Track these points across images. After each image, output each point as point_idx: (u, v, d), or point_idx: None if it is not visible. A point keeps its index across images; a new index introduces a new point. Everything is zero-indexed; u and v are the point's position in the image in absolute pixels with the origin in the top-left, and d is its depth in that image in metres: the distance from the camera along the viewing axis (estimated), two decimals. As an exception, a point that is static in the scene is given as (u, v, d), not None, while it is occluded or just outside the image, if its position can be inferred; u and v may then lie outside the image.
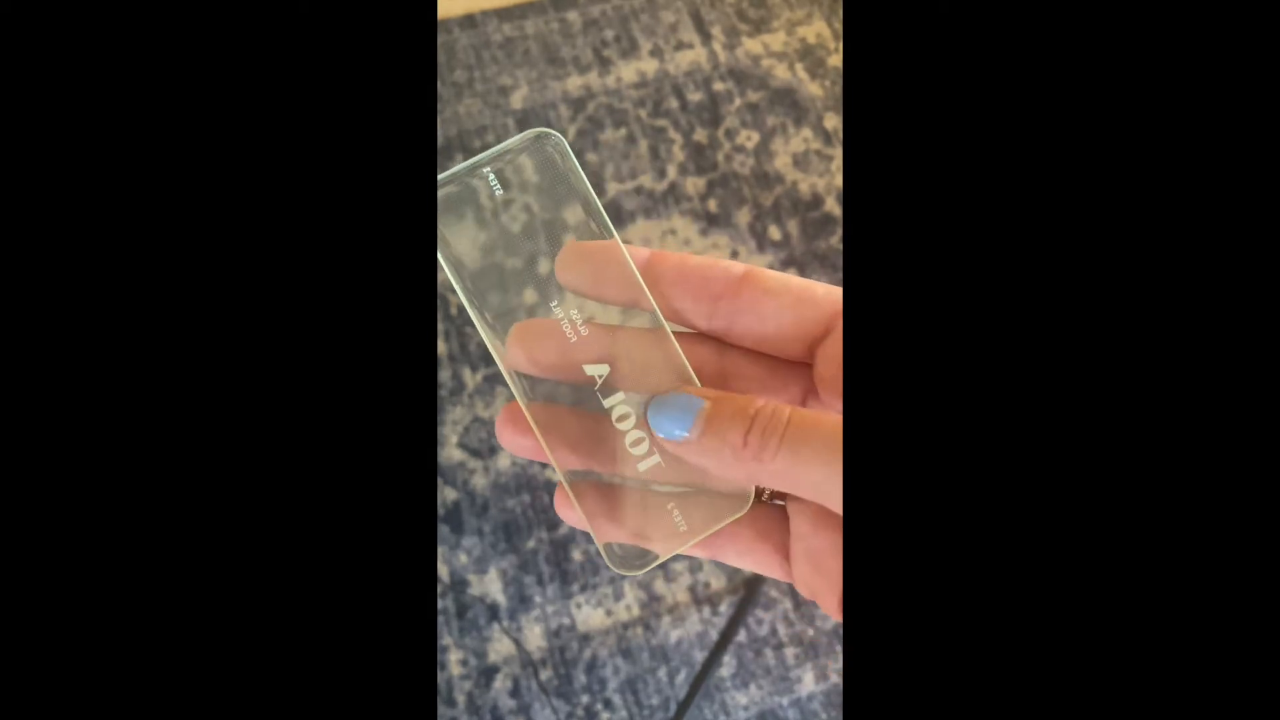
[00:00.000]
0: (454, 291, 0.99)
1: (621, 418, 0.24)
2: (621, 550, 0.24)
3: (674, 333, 0.24)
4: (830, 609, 0.22)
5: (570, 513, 0.24)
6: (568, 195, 0.24)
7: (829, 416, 0.20)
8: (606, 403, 0.24)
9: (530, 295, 0.24)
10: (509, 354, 0.24)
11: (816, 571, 0.22)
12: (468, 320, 0.98)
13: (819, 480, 0.20)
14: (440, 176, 0.23)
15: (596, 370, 0.24)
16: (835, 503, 0.20)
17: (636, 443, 0.24)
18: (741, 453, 0.20)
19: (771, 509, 0.24)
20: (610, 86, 1.12)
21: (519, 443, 0.24)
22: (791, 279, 0.23)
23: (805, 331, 0.22)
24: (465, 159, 1.06)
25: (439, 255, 0.23)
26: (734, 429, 0.21)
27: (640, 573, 0.24)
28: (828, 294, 0.23)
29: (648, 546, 0.24)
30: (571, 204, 0.24)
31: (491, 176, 0.23)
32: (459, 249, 0.24)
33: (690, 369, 0.23)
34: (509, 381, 0.24)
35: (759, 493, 0.24)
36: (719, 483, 0.24)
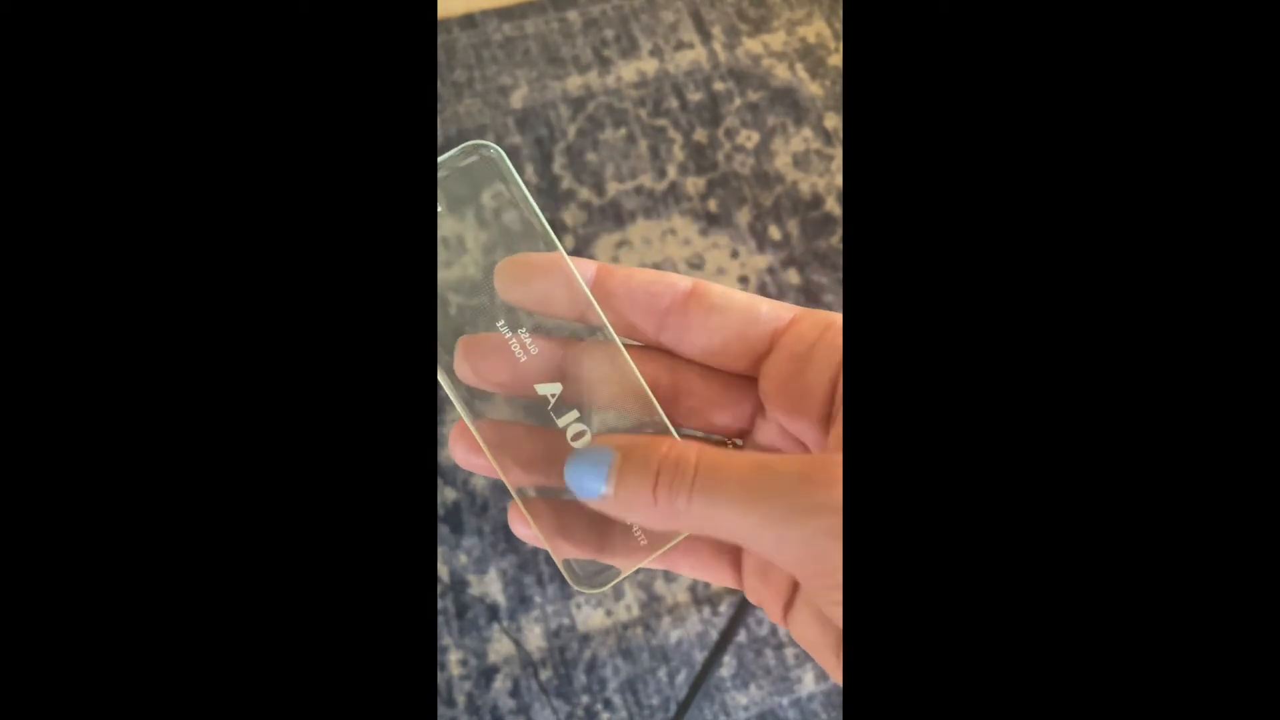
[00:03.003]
0: (455, 292, 0.99)
1: (576, 436, 0.23)
2: (580, 567, 0.24)
3: (626, 346, 0.23)
4: (775, 617, 0.23)
5: (525, 530, 0.24)
6: (509, 208, 0.23)
7: (739, 457, 0.19)
8: (560, 421, 0.23)
9: (476, 311, 0.24)
10: (458, 369, 0.23)
11: (764, 583, 0.23)
12: (468, 320, 0.98)
13: (735, 524, 0.19)
14: None
15: (548, 389, 0.23)
16: (755, 544, 0.19)
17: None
18: (653, 510, 0.20)
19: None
20: (610, 86, 1.12)
21: (472, 460, 0.23)
22: (737, 294, 0.23)
23: (750, 348, 0.22)
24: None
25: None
26: (642, 483, 0.20)
27: (601, 590, 0.24)
28: (772, 310, 0.23)
29: (609, 562, 0.24)
30: (513, 217, 0.23)
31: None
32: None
33: (644, 384, 0.23)
34: (453, 399, 0.23)
35: None
36: None
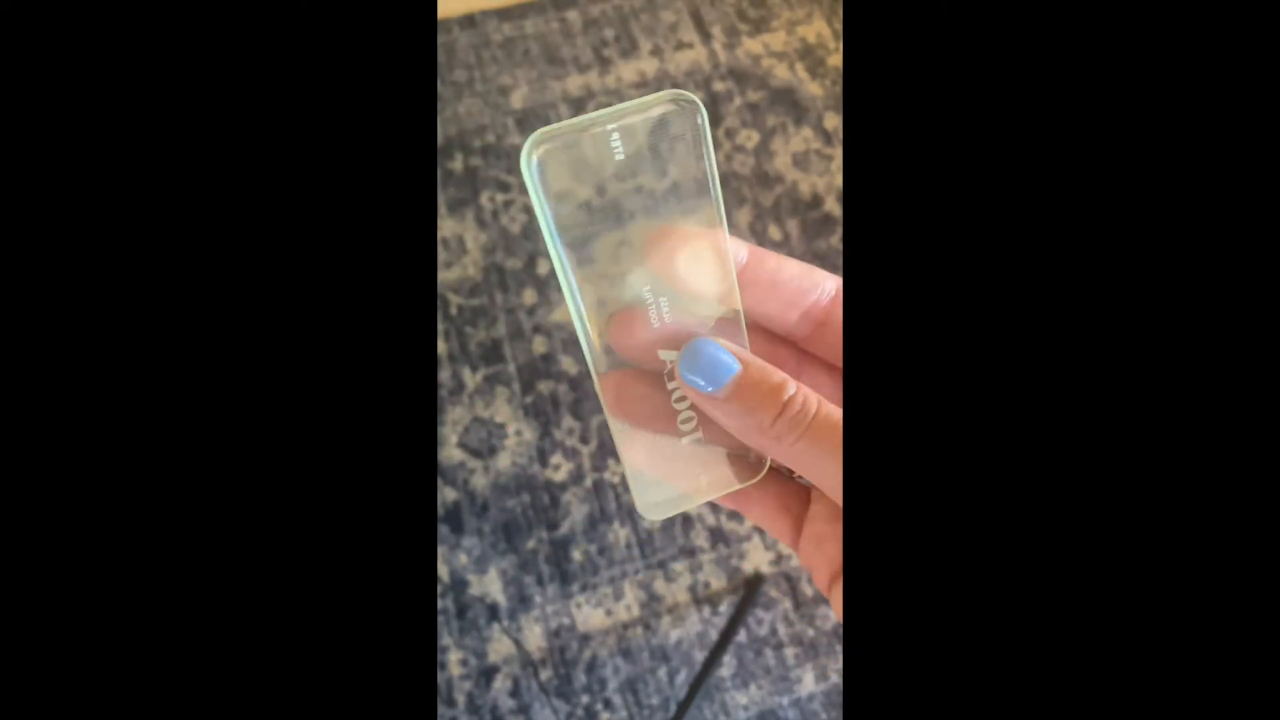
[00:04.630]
0: (454, 292, 1.00)
1: (681, 399, 0.24)
2: (647, 489, 0.25)
3: (751, 327, 0.24)
4: (821, 585, 0.24)
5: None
6: (690, 172, 0.22)
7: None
8: (670, 384, 0.24)
9: (626, 269, 0.23)
10: (610, 335, 0.23)
11: (817, 550, 0.24)
12: (467, 320, 0.98)
13: (828, 472, 0.21)
14: (560, 125, 0.21)
15: (669, 356, 0.24)
16: (837, 494, 0.21)
17: (687, 420, 0.25)
18: (766, 431, 0.21)
19: (799, 486, 0.25)
20: (610, 86, 1.11)
21: (621, 408, 0.24)
22: (786, 261, 0.24)
23: None
24: (465, 158, 1.06)
25: (538, 211, 0.21)
26: (765, 409, 0.21)
27: (663, 516, 0.25)
28: (823, 283, 0.24)
29: (684, 483, 0.25)
30: (690, 183, 0.22)
31: (615, 136, 0.21)
32: (561, 208, 0.22)
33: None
34: (588, 351, 0.23)
35: (792, 470, 0.25)
36: (741, 448, 0.25)
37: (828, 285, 0.24)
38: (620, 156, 0.21)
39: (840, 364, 0.25)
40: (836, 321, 0.24)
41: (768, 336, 0.25)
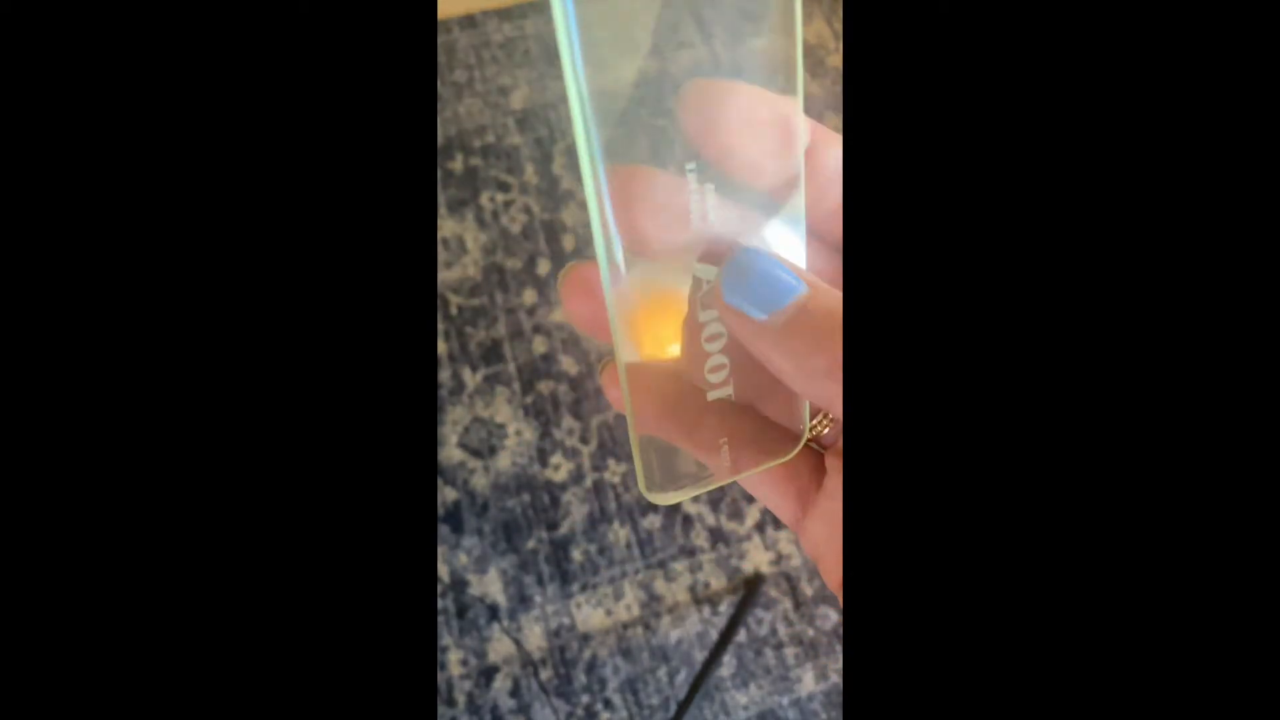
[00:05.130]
0: (454, 292, 1.00)
1: (713, 337, 0.19)
2: (659, 460, 0.20)
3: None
4: (828, 576, 0.21)
5: (616, 393, 0.20)
6: (763, 17, 0.16)
7: None
8: (704, 315, 0.19)
9: (660, 138, 0.17)
10: (615, 200, 0.17)
11: (830, 533, 0.20)
12: (468, 320, 0.98)
13: None
14: None
15: (707, 273, 0.18)
16: None
17: (716, 369, 0.19)
18: (829, 374, 0.17)
19: (809, 457, 0.21)
20: (610, 86, 1.11)
21: (591, 317, 0.19)
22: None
23: None
24: (465, 159, 1.06)
25: (571, 71, 0.16)
26: (831, 348, 0.17)
27: (671, 499, 0.21)
28: None
29: (694, 460, 0.21)
30: (762, 32, 0.16)
31: None
32: (591, 61, 0.16)
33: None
34: (597, 228, 0.17)
35: (812, 434, 0.21)
36: (777, 420, 0.20)
37: None
38: None
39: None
40: None
41: (829, 250, 0.19)
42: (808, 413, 0.21)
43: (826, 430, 0.21)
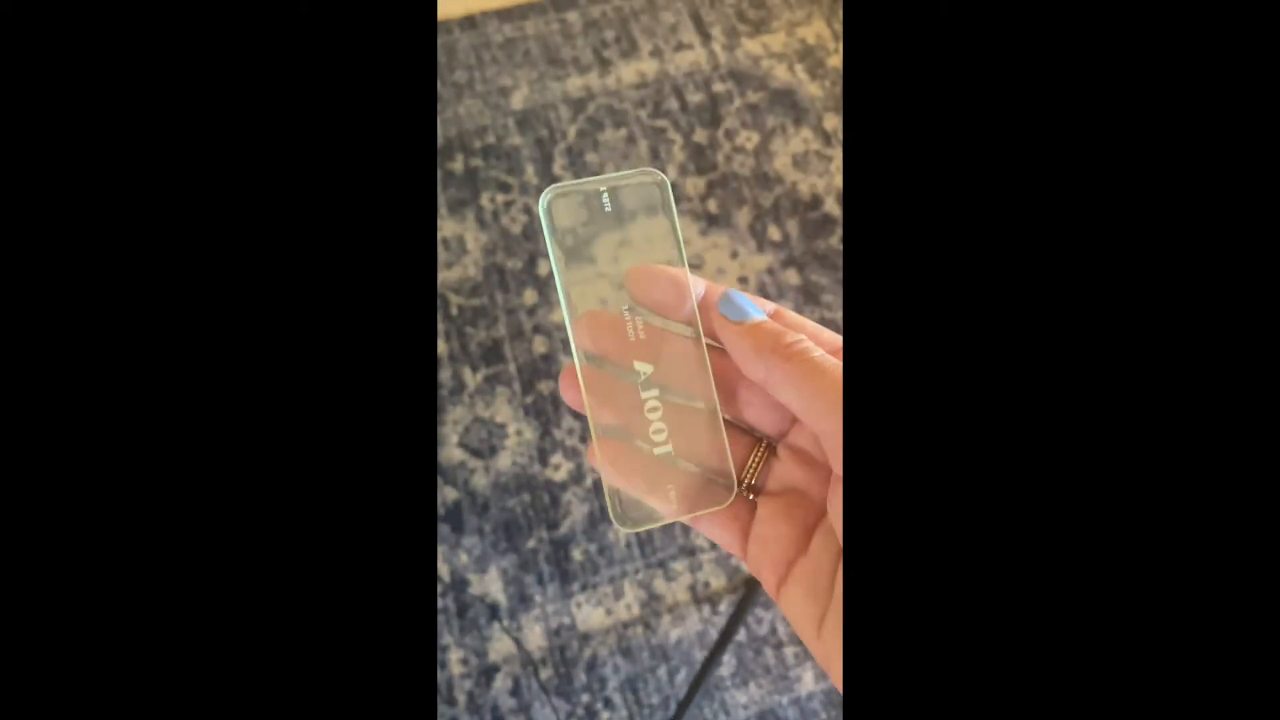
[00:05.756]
0: (455, 292, 1.00)
1: (652, 409, 0.29)
2: (625, 505, 0.29)
3: (709, 347, 0.29)
4: (768, 585, 0.27)
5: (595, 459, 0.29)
6: (658, 225, 0.29)
7: (834, 367, 0.24)
8: (644, 394, 0.29)
9: (609, 292, 0.30)
10: (577, 332, 0.29)
11: (764, 552, 0.27)
12: (468, 320, 0.98)
13: (812, 405, 0.24)
14: (565, 184, 0.29)
15: (643, 367, 0.29)
16: (817, 425, 0.24)
17: (657, 432, 0.29)
18: (778, 346, 0.25)
19: (746, 502, 0.29)
20: (610, 87, 1.12)
21: (574, 397, 0.29)
22: (806, 323, 0.28)
23: None
24: (466, 159, 1.06)
25: (546, 234, 0.29)
26: (774, 342, 0.25)
27: (634, 530, 0.29)
28: (831, 339, 0.27)
29: (653, 505, 0.29)
30: (659, 232, 0.29)
31: (605, 196, 0.29)
32: (566, 238, 0.29)
33: (712, 379, 0.29)
34: (573, 347, 0.29)
35: (741, 485, 0.29)
36: (713, 475, 0.29)
37: (766, 308, 0.28)
38: (609, 209, 0.29)
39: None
40: None
41: (721, 352, 0.29)
42: (731, 466, 0.28)
43: (754, 481, 0.29)
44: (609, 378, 0.29)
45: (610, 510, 0.29)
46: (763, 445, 0.29)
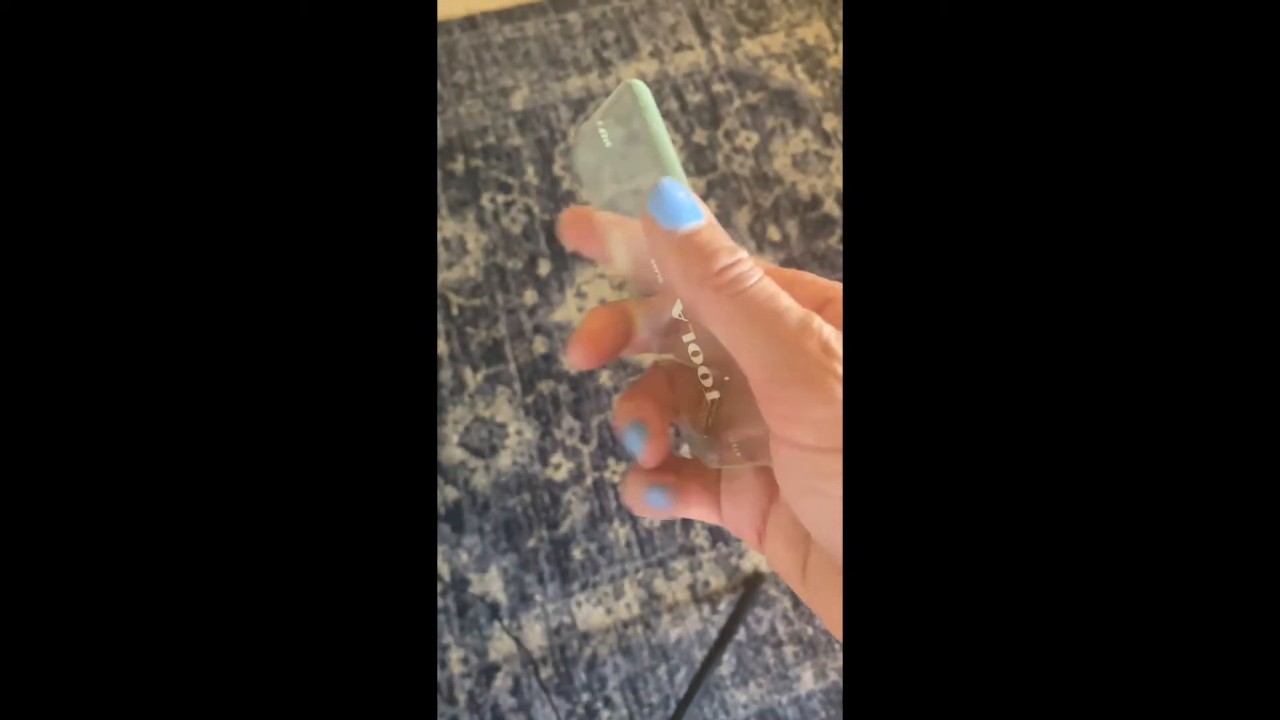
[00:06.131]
0: (455, 292, 1.00)
1: (695, 353, 0.26)
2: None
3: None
4: (751, 542, 0.25)
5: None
6: (643, 138, 0.25)
7: (783, 294, 0.22)
8: (685, 337, 0.26)
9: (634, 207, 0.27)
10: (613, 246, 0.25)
11: (737, 507, 0.25)
12: (468, 320, 0.98)
13: (747, 334, 0.21)
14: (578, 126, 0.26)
15: (677, 312, 0.26)
16: (755, 365, 0.22)
17: (705, 376, 0.26)
18: (706, 280, 0.22)
19: (714, 473, 0.27)
20: (610, 88, 1.12)
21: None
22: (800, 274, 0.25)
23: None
24: (466, 160, 1.06)
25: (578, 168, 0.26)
26: (713, 260, 0.22)
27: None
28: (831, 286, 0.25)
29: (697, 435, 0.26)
30: (646, 145, 0.25)
31: (602, 130, 0.25)
32: (589, 174, 0.26)
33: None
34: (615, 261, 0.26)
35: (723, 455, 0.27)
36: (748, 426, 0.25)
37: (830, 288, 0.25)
38: (609, 145, 0.25)
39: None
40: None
41: None
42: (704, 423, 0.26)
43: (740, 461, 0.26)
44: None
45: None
46: (710, 391, 0.26)
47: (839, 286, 0.24)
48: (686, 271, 0.22)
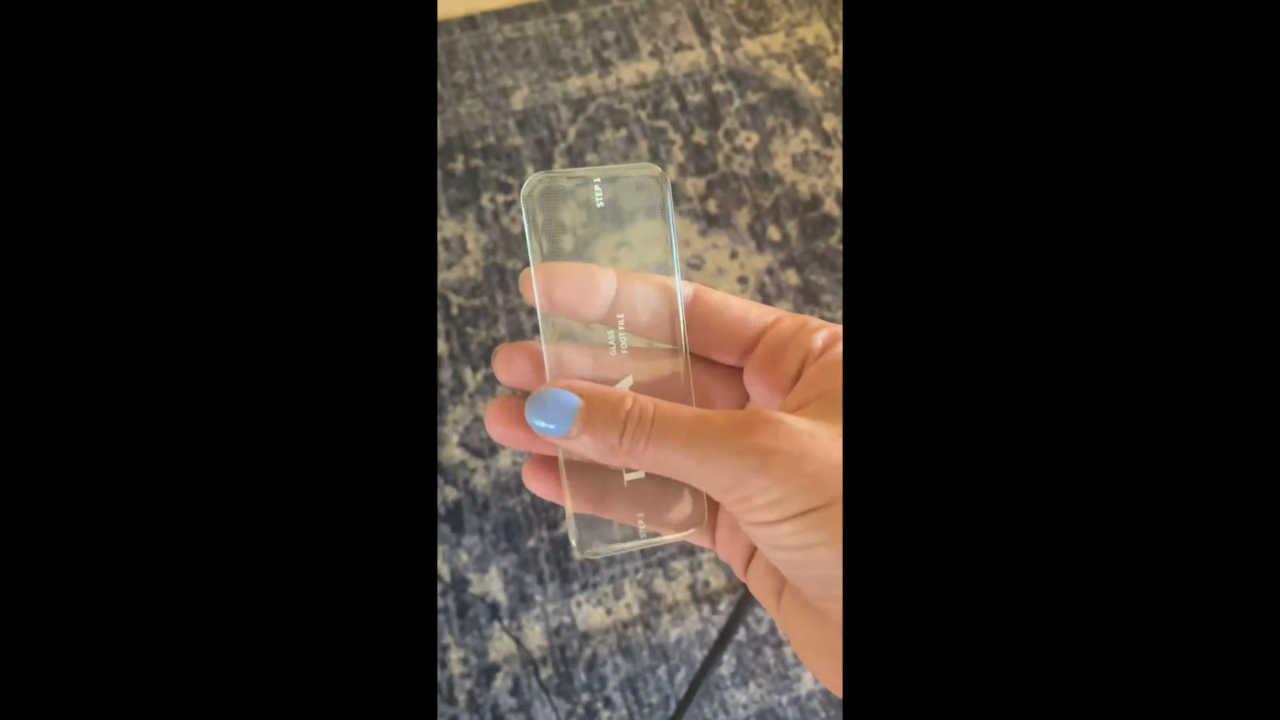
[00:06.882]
0: (455, 292, 1.00)
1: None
2: (586, 532, 0.26)
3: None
4: (738, 572, 0.26)
5: (541, 485, 0.26)
6: (654, 229, 0.26)
7: (687, 410, 0.23)
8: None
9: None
10: (545, 295, 0.25)
11: (732, 540, 0.26)
12: (468, 320, 0.98)
13: (681, 464, 0.22)
14: (549, 173, 0.25)
15: (627, 384, 0.26)
16: (695, 479, 0.23)
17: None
18: (619, 449, 0.23)
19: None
20: (610, 88, 1.12)
21: (508, 434, 0.26)
22: (733, 300, 0.26)
23: (740, 344, 0.26)
24: (466, 159, 1.06)
25: (528, 232, 0.25)
26: (609, 430, 0.23)
27: (598, 556, 0.27)
28: (760, 313, 0.26)
29: (613, 531, 0.27)
30: (654, 236, 0.26)
31: (599, 188, 0.25)
32: (547, 238, 0.25)
33: (692, 387, 0.26)
34: (547, 371, 0.25)
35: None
36: (684, 495, 0.27)
37: (685, 291, 0.26)
38: (600, 205, 0.25)
39: (704, 354, 0.27)
40: (695, 324, 0.27)
41: (708, 365, 0.28)
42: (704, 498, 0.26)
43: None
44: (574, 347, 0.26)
45: (573, 538, 0.26)
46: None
47: (759, 307, 0.26)
48: (601, 452, 0.23)
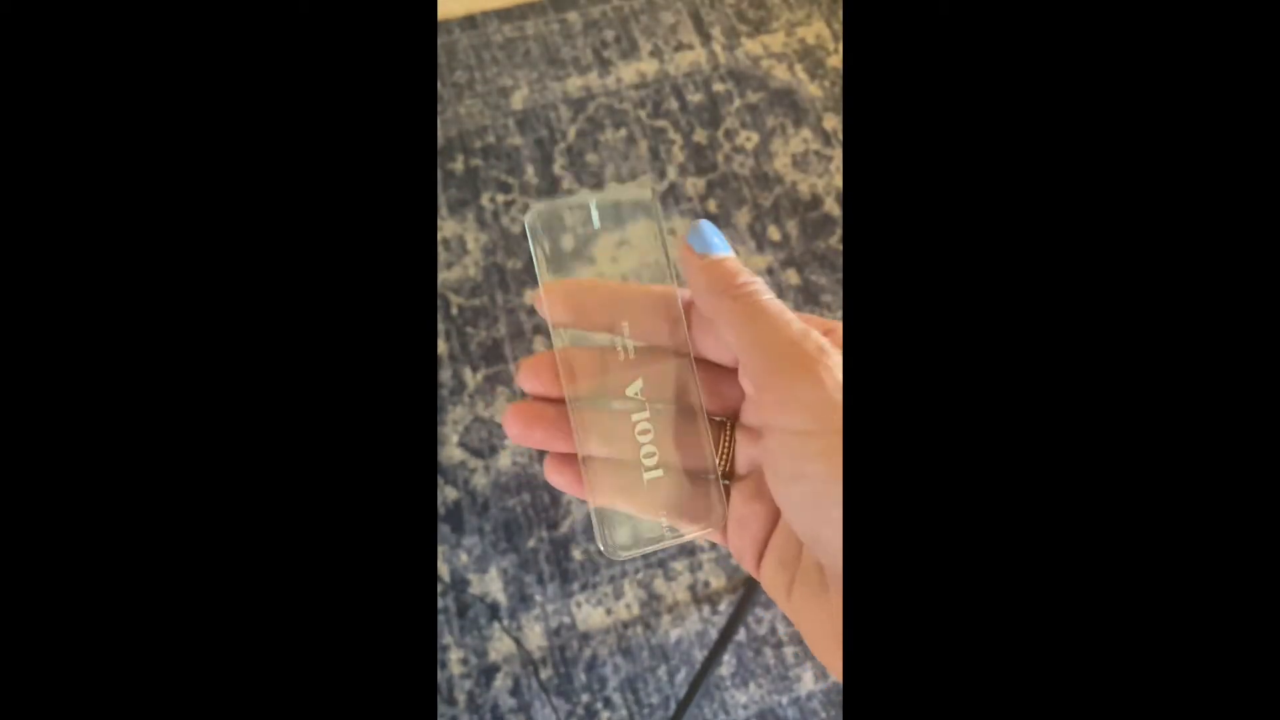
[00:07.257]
0: (455, 292, 1.00)
1: (644, 431, 0.28)
2: (612, 533, 0.28)
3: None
4: (749, 567, 0.27)
5: (562, 479, 0.28)
6: (649, 242, 0.29)
7: (788, 314, 0.25)
8: (635, 417, 0.28)
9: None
10: (552, 307, 0.28)
11: (741, 533, 0.27)
12: (468, 320, 0.98)
13: (745, 338, 0.25)
14: (550, 201, 0.28)
15: (635, 390, 0.28)
16: (744, 359, 0.26)
17: (649, 455, 0.28)
18: (730, 287, 0.26)
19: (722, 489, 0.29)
20: (610, 87, 1.12)
21: (526, 434, 0.28)
22: None
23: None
24: (466, 159, 1.06)
25: (534, 255, 0.28)
26: (736, 277, 0.26)
27: (627, 557, 0.28)
28: None
29: (639, 530, 0.29)
30: (650, 248, 0.29)
31: (595, 211, 0.29)
32: (552, 259, 0.29)
33: (698, 384, 0.28)
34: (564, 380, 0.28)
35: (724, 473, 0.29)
36: (702, 492, 0.29)
37: (684, 296, 0.29)
38: (596, 225, 0.29)
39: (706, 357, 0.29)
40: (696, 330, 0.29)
41: (707, 365, 0.30)
42: (722, 490, 0.28)
43: (726, 467, 0.29)
44: (603, 412, 0.28)
45: (601, 540, 0.28)
46: (727, 431, 0.29)
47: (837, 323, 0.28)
48: (711, 285, 0.26)
